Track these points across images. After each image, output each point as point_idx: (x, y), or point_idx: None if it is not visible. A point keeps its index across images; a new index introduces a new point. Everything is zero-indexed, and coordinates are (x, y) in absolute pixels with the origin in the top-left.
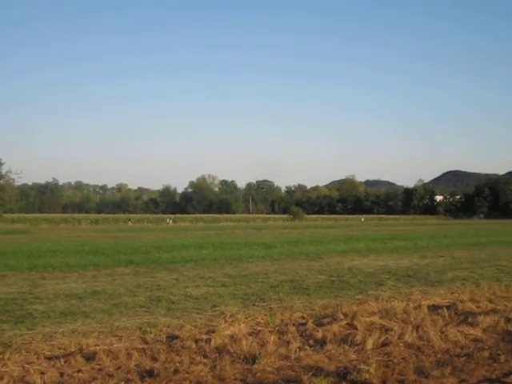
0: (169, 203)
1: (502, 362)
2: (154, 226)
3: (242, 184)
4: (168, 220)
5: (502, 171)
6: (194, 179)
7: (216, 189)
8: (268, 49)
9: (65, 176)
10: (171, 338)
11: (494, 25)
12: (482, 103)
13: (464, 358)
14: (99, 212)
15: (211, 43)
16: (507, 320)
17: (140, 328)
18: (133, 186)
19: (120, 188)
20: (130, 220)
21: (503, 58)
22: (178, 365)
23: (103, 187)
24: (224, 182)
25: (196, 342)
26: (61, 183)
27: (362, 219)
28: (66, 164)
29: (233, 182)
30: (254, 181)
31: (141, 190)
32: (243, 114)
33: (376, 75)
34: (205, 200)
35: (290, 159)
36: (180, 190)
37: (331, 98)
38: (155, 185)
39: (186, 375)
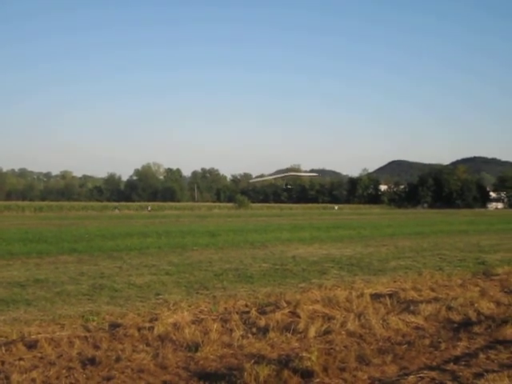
0: (113, 191)
1: (442, 349)
2: (99, 214)
3: (187, 172)
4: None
5: (445, 161)
6: (139, 167)
7: (161, 177)
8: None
9: (8, 163)
10: (114, 326)
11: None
12: (426, 95)
13: (405, 345)
14: (43, 199)
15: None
16: (448, 308)
17: (83, 316)
18: (77, 173)
19: (64, 175)
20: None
21: (456, 44)
22: (120, 353)
23: (47, 174)
24: (169, 170)
25: (139, 330)
26: (4, 170)
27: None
28: (9, 151)
29: (178, 170)
30: (199, 169)
31: (85, 177)
32: (188, 101)
33: (324, 62)
34: (150, 188)
35: (236, 147)
36: (125, 178)
37: (278, 86)
38: (100, 173)
39: (128, 363)
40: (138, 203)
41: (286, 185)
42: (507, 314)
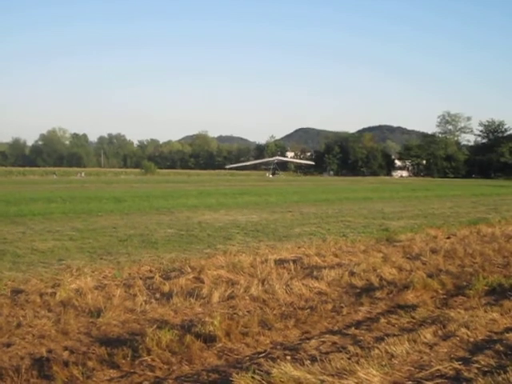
0: (18, 156)
1: (344, 314)
2: (3, 179)
3: (93, 137)
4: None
5: (352, 129)
6: (45, 132)
7: (67, 142)
8: None
9: None
10: (16, 292)
11: None
12: (333, 63)
13: (308, 310)
14: None
15: None
16: (351, 274)
17: None
18: None
19: None
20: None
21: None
22: (21, 319)
23: None
24: (75, 135)
25: (41, 295)
26: None
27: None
28: None
29: (84, 135)
30: (105, 134)
31: None
32: (93, 64)
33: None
34: (55, 153)
35: (143, 112)
36: (30, 143)
37: (190, 39)
38: (4, 137)
39: (29, 329)
40: (43, 168)
41: (274, 170)
42: (409, 279)
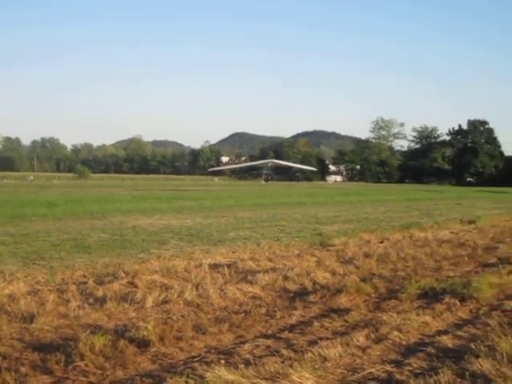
0: None
1: (278, 318)
2: None
3: (26, 141)
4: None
5: (286, 135)
6: None
7: None
8: None
9: None
10: None
11: None
12: (271, 67)
13: (242, 314)
14: None
15: None
16: (285, 278)
17: None
18: None
19: None
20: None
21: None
22: None
23: None
24: (8, 139)
25: None
26: None
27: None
28: None
29: (17, 138)
30: (39, 138)
31: None
32: (27, 68)
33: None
34: None
35: (76, 116)
36: None
37: (117, 53)
38: None
39: None
40: None
41: (267, 175)
42: (342, 283)
